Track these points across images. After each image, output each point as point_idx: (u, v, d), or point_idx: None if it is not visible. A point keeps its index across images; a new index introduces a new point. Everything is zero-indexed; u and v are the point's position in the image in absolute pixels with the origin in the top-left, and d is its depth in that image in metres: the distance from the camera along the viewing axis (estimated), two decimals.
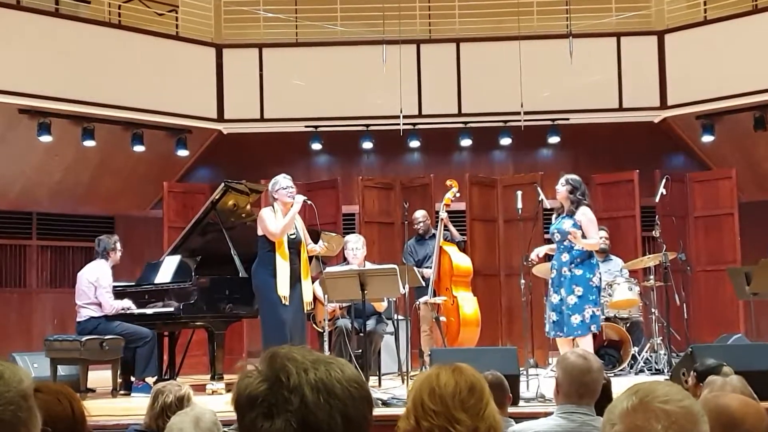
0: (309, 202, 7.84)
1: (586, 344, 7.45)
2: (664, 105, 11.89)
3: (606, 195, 11.55)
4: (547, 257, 8.31)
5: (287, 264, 7.63)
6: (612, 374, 8.32)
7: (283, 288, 7.59)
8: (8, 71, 10.65)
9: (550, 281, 7.88)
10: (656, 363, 9.07)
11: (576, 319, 7.51)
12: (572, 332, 7.54)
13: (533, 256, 8.01)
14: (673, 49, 11.86)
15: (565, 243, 7.64)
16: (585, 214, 7.63)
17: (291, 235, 7.73)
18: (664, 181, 9.61)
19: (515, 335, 10.62)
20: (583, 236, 7.54)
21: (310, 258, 8.02)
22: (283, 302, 7.56)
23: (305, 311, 7.75)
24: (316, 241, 8.16)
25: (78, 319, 8.48)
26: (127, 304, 8.49)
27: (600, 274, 7.70)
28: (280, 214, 7.68)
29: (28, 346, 10.53)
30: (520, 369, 7.03)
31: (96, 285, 8.38)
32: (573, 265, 7.59)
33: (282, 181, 7.81)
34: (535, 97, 11.37)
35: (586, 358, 3.47)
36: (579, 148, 12.37)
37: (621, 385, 6.57)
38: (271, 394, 1.49)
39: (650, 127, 12.07)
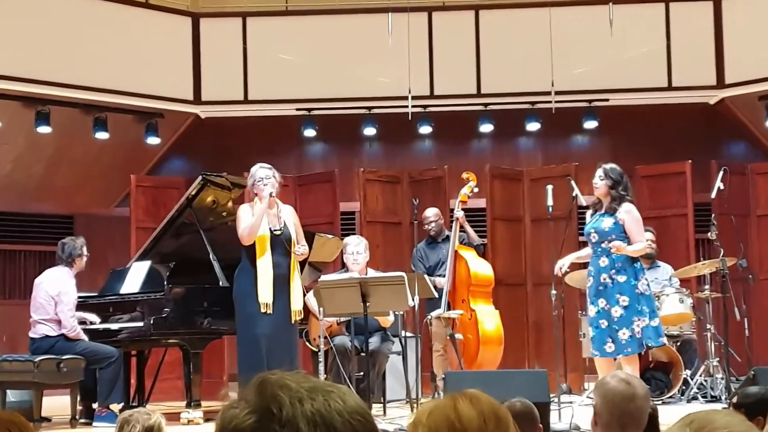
0: (273, 194, 7.73)
1: (631, 366, 7.43)
2: (721, 84, 11.87)
3: (652, 190, 11.51)
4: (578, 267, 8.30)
5: (270, 266, 7.62)
6: (660, 402, 8.31)
7: (265, 294, 7.58)
8: None
9: (587, 291, 7.86)
10: (712, 389, 9.04)
11: (624, 334, 7.44)
12: (621, 350, 7.49)
13: (557, 269, 7.97)
14: (732, 18, 11.84)
15: (603, 245, 7.60)
16: (629, 213, 7.60)
17: (276, 231, 7.72)
18: (721, 173, 9.58)
19: (545, 356, 10.60)
20: (626, 239, 7.51)
21: (300, 263, 8.01)
22: (263, 310, 7.55)
23: (293, 322, 7.71)
24: (308, 247, 8.14)
25: (31, 335, 8.45)
26: (91, 318, 8.48)
27: (646, 279, 7.67)
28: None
29: None
30: (551, 396, 7.02)
31: (57, 300, 8.36)
32: (614, 271, 7.55)
33: (259, 172, 7.81)
34: (569, 74, 11.35)
35: (630, 382, 3.45)
36: (620, 134, 12.35)
37: (670, 414, 6.56)
38: (260, 428, 1.48)
39: (705, 109, 12.05)
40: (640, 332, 7.46)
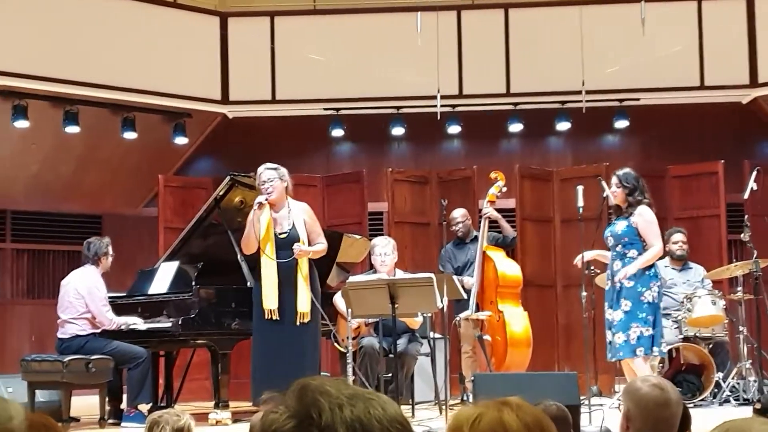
0: (265, 202, 7.64)
1: (640, 369, 7.48)
2: (754, 82, 11.79)
3: (684, 190, 11.46)
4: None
5: (274, 270, 7.61)
6: (691, 404, 8.25)
7: (270, 300, 7.58)
8: None
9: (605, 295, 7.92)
10: (744, 392, 8.98)
11: (619, 338, 7.58)
12: (614, 354, 7.62)
13: (577, 260, 8.01)
14: (766, 16, 11.75)
15: (618, 249, 7.67)
16: (642, 215, 7.64)
17: (281, 234, 7.71)
18: (754, 173, 9.51)
19: (574, 358, 10.56)
20: (642, 242, 7.52)
21: (328, 264, 7.99)
22: (267, 316, 7.57)
23: (298, 324, 7.67)
24: (336, 248, 8.13)
25: (60, 336, 8.51)
26: (132, 321, 8.51)
27: (658, 287, 7.67)
28: (267, 214, 7.67)
29: (0, 368, 10.63)
30: (581, 398, 6.98)
31: (88, 298, 8.41)
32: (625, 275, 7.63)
33: (263, 174, 7.77)
34: (599, 73, 11.31)
35: (663, 388, 3.42)
36: (651, 134, 12.29)
37: (702, 417, 6.52)
38: None
39: (737, 108, 11.97)
40: (635, 339, 7.53)
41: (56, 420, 2.80)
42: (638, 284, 7.59)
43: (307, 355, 7.72)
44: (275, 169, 7.78)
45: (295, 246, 7.62)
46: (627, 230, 7.63)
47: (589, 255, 8.03)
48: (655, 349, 7.70)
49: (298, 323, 7.63)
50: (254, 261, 7.95)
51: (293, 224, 7.74)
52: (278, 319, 7.56)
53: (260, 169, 7.82)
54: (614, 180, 7.80)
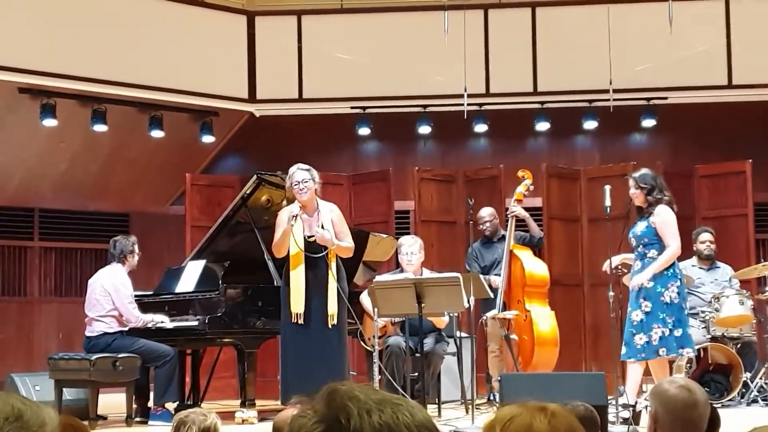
0: (297, 214, 7.64)
1: (659, 370, 7.52)
2: None
3: (712, 190, 11.41)
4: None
5: (302, 273, 7.63)
6: (719, 404, 8.22)
7: (297, 303, 7.61)
8: (6, 44, 10.80)
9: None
10: None
11: (641, 339, 7.56)
12: (634, 354, 7.60)
13: (605, 267, 7.99)
14: None
15: (639, 250, 7.70)
16: (659, 215, 7.64)
17: (310, 237, 7.72)
18: None
19: (602, 358, 10.54)
20: (662, 242, 7.50)
21: (355, 263, 7.98)
22: (294, 320, 7.60)
23: (330, 327, 7.70)
24: (363, 246, 8.12)
25: (88, 334, 8.57)
26: (159, 318, 8.55)
27: (677, 287, 7.62)
28: (299, 220, 7.67)
29: (28, 366, 10.72)
30: (609, 398, 6.96)
31: (114, 295, 8.46)
32: None
33: (296, 175, 7.77)
34: (627, 71, 11.26)
35: (691, 389, 3.41)
36: (679, 133, 12.24)
37: (730, 417, 6.48)
38: None
39: (766, 107, 11.89)
40: (657, 340, 7.53)
41: (83, 418, 2.82)
42: (658, 284, 7.58)
43: (336, 357, 7.74)
44: (308, 170, 7.80)
45: (317, 230, 7.64)
46: (647, 231, 7.64)
47: (616, 260, 8.01)
48: (688, 349, 7.68)
49: (329, 325, 7.66)
50: (282, 260, 7.97)
51: (322, 226, 7.75)
52: (304, 323, 7.59)
53: (293, 169, 7.82)
54: (631, 182, 7.81)
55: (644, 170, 7.93)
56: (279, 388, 8.16)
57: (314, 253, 7.67)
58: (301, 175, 7.74)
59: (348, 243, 7.88)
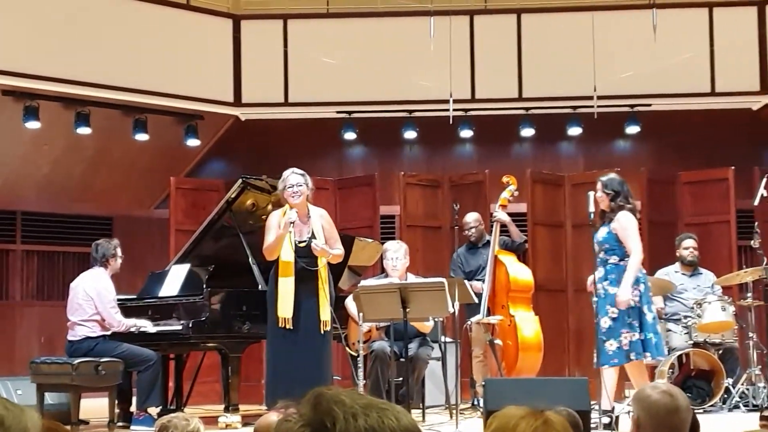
0: (292, 221, 7.65)
1: (637, 374, 7.56)
2: (765, 89, 11.78)
3: (695, 196, 11.46)
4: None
5: (291, 278, 7.63)
6: (701, 410, 8.26)
7: (285, 308, 7.60)
8: None
9: None
10: (754, 397, 8.96)
11: (611, 345, 7.55)
12: (607, 361, 7.58)
13: (589, 284, 7.95)
14: None
15: (600, 256, 7.69)
16: (619, 221, 7.64)
17: (301, 242, 7.73)
18: (765, 180, 9.50)
19: (585, 363, 10.54)
20: (623, 248, 7.54)
21: (340, 267, 7.99)
22: (281, 324, 7.59)
23: (323, 332, 7.72)
24: (348, 251, 8.13)
25: (70, 338, 8.53)
26: (141, 323, 8.52)
27: (640, 291, 7.64)
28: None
29: (9, 370, 10.66)
30: (592, 404, 6.98)
31: (97, 299, 8.43)
32: (607, 282, 7.65)
33: (289, 178, 7.77)
34: (611, 78, 11.31)
35: (672, 394, 3.43)
36: (662, 140, 12.29)
37: (711, 423, 6.50)
38: None
39: (748, 115, 11.96)
40: (627, 345, 7.54)
41: (65, 423, 2.82)
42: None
43: (322, 363, 7.75)
44: (303, 175, 7.80)
45: (314, 242, 7.67)
46: (608, 237, 7.64)
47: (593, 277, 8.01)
48: (648, 354, 7.65)
49: (322, 331, 7.67)
50: (267, 264, 7.97)
51: (312, 232, 7.76)
52: (292, 327, 7.59)
53: (287, 172, 7.82)
54: (598, 185, 7.81)
55: (612, 175, 7.95)
56: (264, 393, 8.16)
57: (304, 257, 7.68)
58: (296, 179, 7.74)
59: (339, 250, 7.91)
